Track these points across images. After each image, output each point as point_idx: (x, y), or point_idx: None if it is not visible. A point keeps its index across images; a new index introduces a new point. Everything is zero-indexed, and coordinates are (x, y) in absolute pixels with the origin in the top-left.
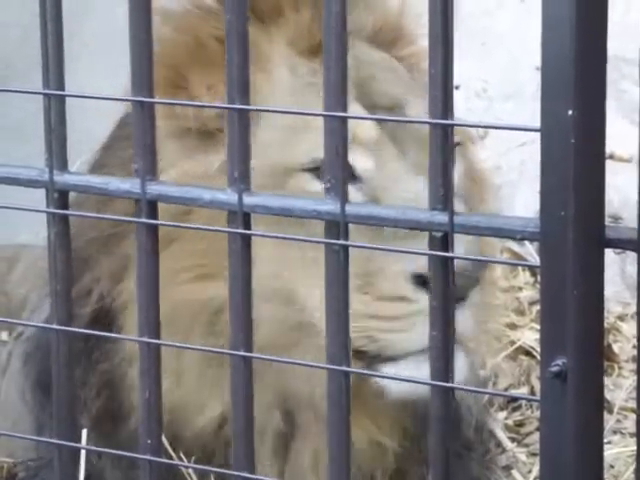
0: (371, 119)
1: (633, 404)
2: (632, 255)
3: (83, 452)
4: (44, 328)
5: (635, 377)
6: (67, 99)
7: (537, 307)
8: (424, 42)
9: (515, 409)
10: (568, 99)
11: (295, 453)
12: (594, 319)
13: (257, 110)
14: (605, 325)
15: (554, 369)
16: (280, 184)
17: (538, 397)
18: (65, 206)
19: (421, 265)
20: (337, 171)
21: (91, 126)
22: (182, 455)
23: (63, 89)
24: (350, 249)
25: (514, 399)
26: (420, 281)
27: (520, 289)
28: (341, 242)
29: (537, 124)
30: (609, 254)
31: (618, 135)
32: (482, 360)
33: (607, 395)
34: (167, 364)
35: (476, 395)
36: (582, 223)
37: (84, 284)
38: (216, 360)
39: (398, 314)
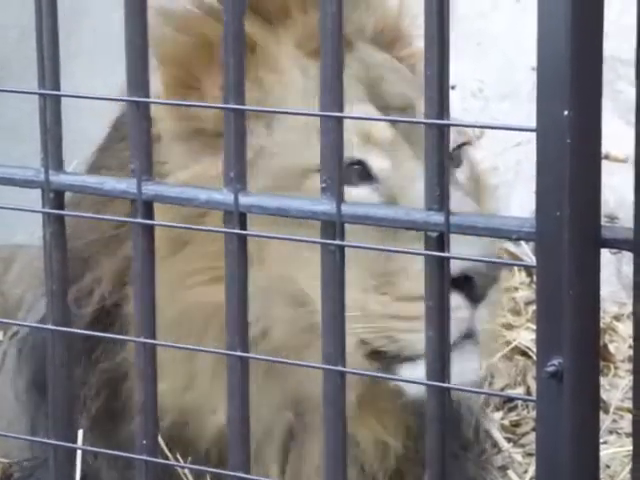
0: (368, 119)
1: (629, 404)
2: (628, 255)
3: (79, 452)
4: (39, 328)
5: (631, 377)
6: (63, 99)
7: (533, 307)
8: (421, 43)
9: (511, 409)
10: (564, 99)
11: (304, 454)
12: (590, 319)
13: (252, 110)
14: (601, 325)
15: (550, 369)
16: (296, 185)
17: (534, 397)
18: (61, 206)
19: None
20: (333, 171)
21: (87, 126)
22: (178, 456)
23: (59, 89)
24: (365, 251)
25: (510, 399)
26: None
27: (516, 289)
28: (337, 242)
29: (533, 124)
30: (605, 254)
31: (614, 135)
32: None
33: (603, 395)
34: (180, 366)
35: (474, 395)
36: (578, 223)
37: (85, 284)
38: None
39: (419, 314)
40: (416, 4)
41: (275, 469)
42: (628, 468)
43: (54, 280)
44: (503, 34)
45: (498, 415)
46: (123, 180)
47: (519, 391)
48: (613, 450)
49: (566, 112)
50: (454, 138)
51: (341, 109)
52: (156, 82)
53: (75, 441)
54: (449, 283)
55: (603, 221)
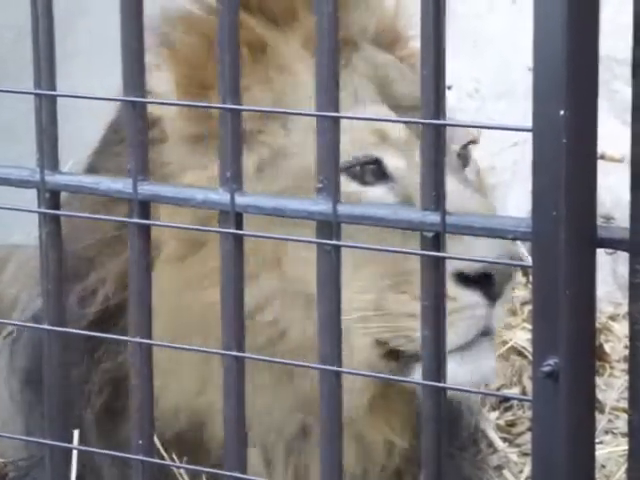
0: (363, 119)
1: (625, 404)
2: (624, 255)
3: (75, 452)
4: (33, 327)
5: (627, 377)
6: (61, 100)
7: (529, 307)
8: (417, 43)
9: (507, 409)
10: (560, 99)
11: (314, 456)
12: (586, 319)
13: (248, 110)
14: (597, 325)
15: (546, 369)
16: (314, 186)
17: (530, 397)
18: (56, 206)
19: (464, 263)
20: (329, 171)
21: (85, 127)
22: (174, 456)
23: (54, 89)
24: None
25: (506, 399)
26: (461, 279)
27: (512, 289)
28: (333, 242)
29: (529, 124)
30: (601, 254)
31: (610, 135)
32: None
33: (599, 395)
34: (194, 369)
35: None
36: (574, 223)
37: (89, 283)
38: (249, 367)
39: None
40: (412, 4)
41: (284, 470)
42: (624, 468)
43: (50, 280)
44: (499, 34)
45: (494, 415)
46: (119, 180)
47: (515, 391)
48: (609, 450)
49: (562, 112)
50: (462, 137)
51: (337, 109)
52: (162, 82)
53: (71, 441)
54: (445, 282)
55: (599, 221)
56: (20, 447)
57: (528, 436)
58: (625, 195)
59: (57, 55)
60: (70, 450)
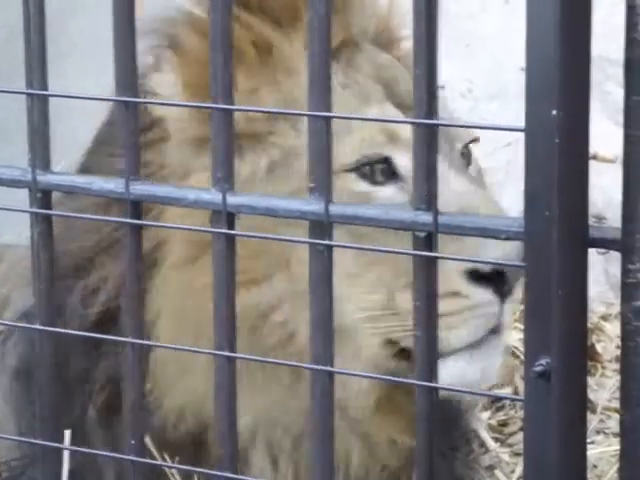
0: (356, 119)
1: (616, 404)
2: (615, 255)
3: (66, 452)
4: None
5: (618, 377)
6: (54, 100)
7: (521, 307)
8: (410, 43)
9: (499, 409)
10: (552, 99)
11: None
12: (578, 319)
13: (240, 110)
14: (589, 325)
15: (538, 369)
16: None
17: (522, 397)
18: (48, 206)
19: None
20: (321, 171)
21: (78, 126)
22: (166, 455)
23: (46, 89)
24: None
25: (498, 399)
26: (474, 276)
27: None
28: (326, 242)
29: (521, 124)
30: (593, 254)
31: (602, 136)
32: None
33: (590, 395)
34: (202, 371)
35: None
36: (566, 223)
37: (91, 283)
38: (259, 368)
39: (451, 310)
40: (406, 3)
41: (290, 469)
42: (615, 468)
43: (42, 280)
44: (492, 35)
45: (486, 415)
46: (111, 180)
47: (507, 391)
48: (600, 450)
49: (554, 112)
50: (464, 136)
51: (329, 109)
52: (166, 83)
53: (62, 441)
54: (437, 282)
55: (591, 221)
56: (13, 447)
57: (520, 436)
58: (617, 195)
59: (50, 55)
60: (62, 450)
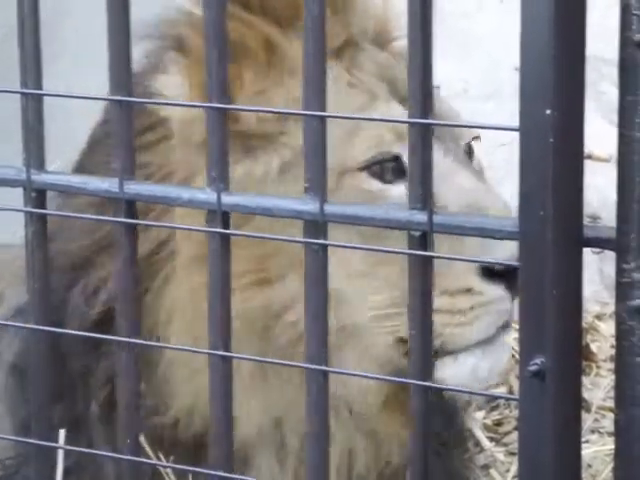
0: (349, 118)
1: (611, 403)
2: (610, 255)
3: (61, 452)
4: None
5: (613, 376)
6: (49, 99)
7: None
8: (405, 42)
9: (493, 408)
10: (547, 99)
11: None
12: (573, 318)
13: (234, 109)
14: (583, 325)
15: (533, 368)
16: (335, 186)
17: (517, 396)
18: (43, 205)
19: (491, 256)
20: (316, 170)
21: (73, 126)
22: (161, 455)
23: (41, 88)
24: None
25: (493, 398)
26: (487, 273)
27: None
28: (320, 242)
29: (516, 124)
30: (587, 254)
31: (597, 135)
32: None
33: (585, 394)
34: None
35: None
36: (561, 222)
37: (92, 282)
38: (270, 368)
39: (464, 307)
40: (400, 4)
41: (291, 467)
42: (610, 467)
43: (36, 279)
44: (487, 34)
45: (480, 414)
46: (106, 179)
47: (502, 390)
48: (595, 449)
49: (549, 112)
50: (466, 134)
51: (324, 108)
52: (172, 84)
53: (56, 439)
54: (432, 282)
55: (586, 221)
56: (8, 446)
57: (515, 435)
58: (612, 195)
59: (45, 54)
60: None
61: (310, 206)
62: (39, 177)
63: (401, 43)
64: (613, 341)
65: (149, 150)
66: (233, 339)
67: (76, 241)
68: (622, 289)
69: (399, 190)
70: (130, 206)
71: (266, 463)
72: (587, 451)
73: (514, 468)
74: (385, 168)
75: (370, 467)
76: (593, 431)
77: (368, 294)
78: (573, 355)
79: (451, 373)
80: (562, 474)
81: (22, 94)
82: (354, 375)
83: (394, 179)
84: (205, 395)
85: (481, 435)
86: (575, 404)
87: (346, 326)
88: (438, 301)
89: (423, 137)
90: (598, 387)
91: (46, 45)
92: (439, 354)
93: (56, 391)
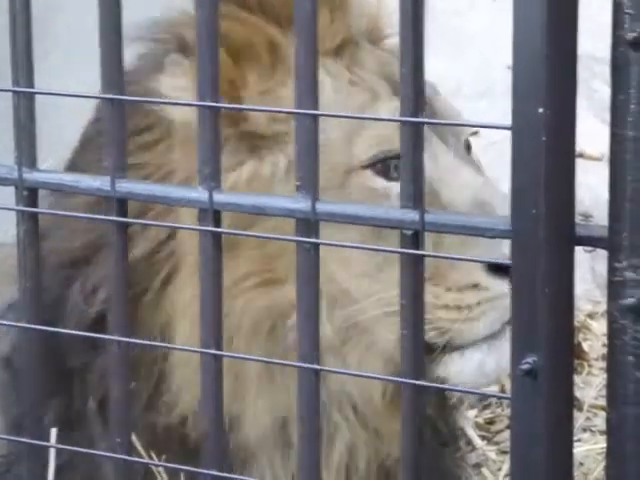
0: (340, 117)
1: (603, 402)
2: (602, 253)
3: (52, 451)
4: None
5: (605, 375)
6: (42, 97)
7: None
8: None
9: (485, 407)
10: (539, 97)
11: (330, 452)
12: (565, 317)
13: (228, 108)
14: (575, 323)
15: (525, 367)
16: (340, 184)
17: (509, 395)
18: (34, 204)
19: (497, 252)
20: (308, 169)
21: (66, 124)
22: (153, 454)
23: (32, 86)
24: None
25: (485, 397)
26: (494, 268)
27: None
28: (312, 240)
29: (508, 122)
30: (579, 252)
31: (589, 134)
32: None
33: (577, 393)
34: (227, 375)
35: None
36: (553, 221)
37: (90, 280)
38: (277, 368)
39: (471, 302)
40: (392, 2)
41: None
42: (602, 465)
43: (28, 278)
44: (480, 33)
45: (472, 413)
46: (97, 178)
47: (494, 389)
48: (587, 447)
49: (541, 110)
50: (466, 130)
51: (316, 107)
52: (177, 87)
53: (47, 439)
54: (423, 281)
55: (578, 219)
56: (0, 445)
57: (507, 434)
58: (604, 193)
59: (36, 51)
60: (47, 448)
61: (302, 205)
62: (31, 175)
63: (393, 41)
64: (605, 340)
65: (147, 150)
66: (240, 339)
67: (75, 239)
68: (614, 288)
69: None
70: (122, 204)
71: (271, 463)
72: (579, 450)
73: (506, 467)
74: (389, 165)
75: (371, 463)
76: (585, 430)
77: (376, 292)
78: (565, 354)
79: (458, 369)
80: (554, 472)
81: (14, 92)
82: (347, 374)
83: (398, 176)
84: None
85: (473, 434)
86: (567, 403)
87: (354, 324)
88: (445, 297)
89: (414, 136)
90: (590, 386)
91: (38, 42)
92: (446, 350)
93: (49, 389)
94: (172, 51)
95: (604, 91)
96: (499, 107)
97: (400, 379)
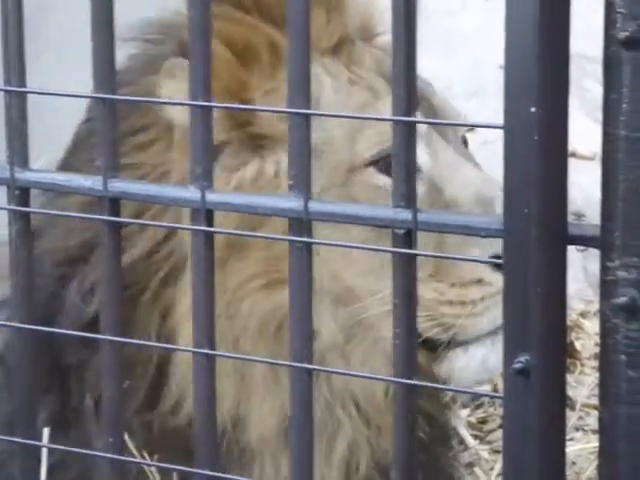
0: (333, 116)
1: (595, 401)
2: (594, 252)
3: (44, 450)
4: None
5: (597, 374)
6: (34, 97)
7: None
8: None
9: (478, 406)
10: (531, 97)
11: (333, 449)
12: (557, 316)
13: (222, 107)
14: (568, 322)
15: (517, 366)
16: (344, 182)
17: (501, 394)
18: (26, 203)
19: (499, 249)
20: (301, 168)
21: (58, 123)
22: (145, 453)
23: (24, 85)
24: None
25: (477, 396)
26: (498, 263)
27: None
28: (304, 239)
29: (500, 121)
30: (572, 251)
31: (581, 133)
32: None
33: (569, 392)
34: (234, 376)
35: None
36: (545, 220)
37: (87, 280)
38: (282, 369)
39: (475, 298)
40: (384, 0)
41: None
42: (594, 465)
43: (19, 277)
44: (472, 32)
45: (465, 412)
46: (89, 177)
47: (486, 388)
48: (579, 447)
49: (533, 109)
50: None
51: (308, 106)
52: (183, 89)
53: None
54: (416, 279)
55: (570, 218)
56: None
57: (499, 433)
58: (596, 192)
59: (28, 51)
60: (39, 447)
61: (294, 204)
62: (23, 175)
63: (386, 38)
64: (597, 339)
65: (143, 150)
66: (247, 340)
67: (71, 237)
68: (606, 287)
69: None
70: (114, 204)
71: (276, 463)
72: (571, 449)
73: (498, 466)
74: (391, 163)
75: (373, 459)
76: (577, 429)
77: (379, 290)
78: (558, 353)
79: (461, 364)
80: (546, 472)
81: (5, 91)
82: (339, 373)
83: None
84: (231, 399)
85: (465, 433)
86: (559, 402)
87: (358, 322)
88: (450, 293)
89: (407, 135)
90: (582, 385)
91: (30, 42)
92: (451, 345)
93: (44, 385)
94: (167, 52)
95: (596, 90)
96: (491, 107)
97: (393, 378)
